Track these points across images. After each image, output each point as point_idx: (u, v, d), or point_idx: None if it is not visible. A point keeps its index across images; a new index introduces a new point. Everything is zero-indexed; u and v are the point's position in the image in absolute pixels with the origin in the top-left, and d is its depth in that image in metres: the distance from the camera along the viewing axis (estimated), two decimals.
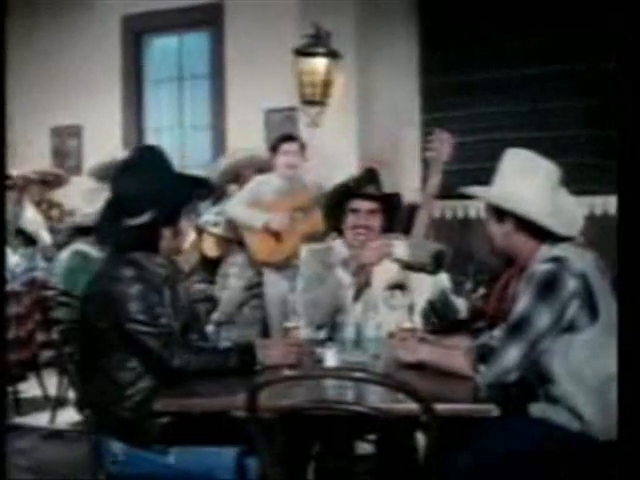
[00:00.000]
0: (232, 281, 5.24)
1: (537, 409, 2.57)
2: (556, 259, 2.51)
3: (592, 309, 2.47)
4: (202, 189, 3.35)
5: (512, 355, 2.45)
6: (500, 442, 2.49)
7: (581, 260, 2.53)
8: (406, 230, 3.92)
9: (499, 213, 2.67)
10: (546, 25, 5.89)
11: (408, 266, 3.56)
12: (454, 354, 2.64)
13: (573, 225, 2.66)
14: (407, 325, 3.03)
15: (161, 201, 2.74)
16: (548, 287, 2.46)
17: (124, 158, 3.06)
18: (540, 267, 2.52)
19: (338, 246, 3.65)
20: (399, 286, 3.52)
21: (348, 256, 3.56)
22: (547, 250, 2.59)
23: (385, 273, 3.54)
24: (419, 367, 2.67)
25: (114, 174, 2.90)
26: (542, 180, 2.64)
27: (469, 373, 2.50)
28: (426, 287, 3.64)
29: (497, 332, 2.52)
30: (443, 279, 4.46)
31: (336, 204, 3.64)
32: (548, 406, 2.53)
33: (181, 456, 2.62)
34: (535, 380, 2.55)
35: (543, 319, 2.44)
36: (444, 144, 3.93)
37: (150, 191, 2.73)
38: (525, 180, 2.63)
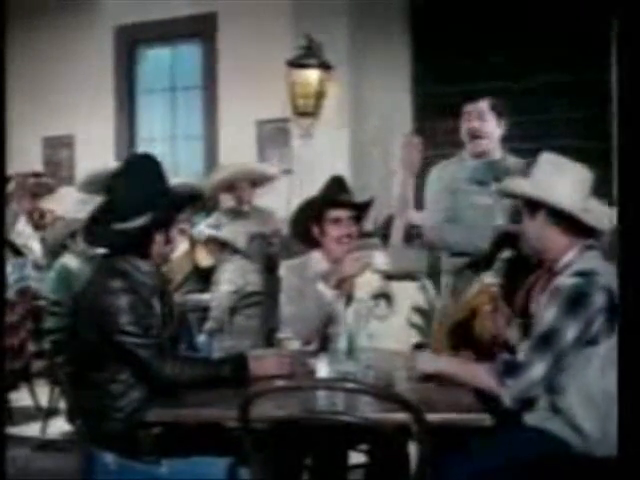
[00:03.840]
0: (222, 286, 5.23)
1: (533, 418, 2.57)
2: (584, 273, 2.51)
3: (612, 323, 2.48)
4: (196, 200, 3.35)
5: (538, 369, 2.46)
6: (496, 451, 2.50)
7: (607, 273, 2.54)
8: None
9: (531, 207, 2.68)
10: (536, 38, 5.95)
11: (389, 275, 3.54)
12: (476, 367, 2.64)
13: (604, 221, 2.64)
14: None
15: (154, 206, 2.75)
16: (576, 302, 2.47)
17: (120, 164, 3.07)
18: (568, 281, 2.52)
19: (316, 259, 3.59)
20: (383, 295, 3.51)
21: (328, 269, 3.52)
22: (576, 254, 2.60)
23: (366, 284, 3.52)
24: (435, 378, 2.67)
25: (110, 179, 2.92)
26: (576, 179, 2.67)
27: (492, 386, 2.50)
28: (410, 294, 3.62)
29: (523, 347, 2.52)
30: (427, 286, 4.45)
31: (313, 217, 3.57)
32: (548, 416, 2.54)
33: (173, 467, 2.61)
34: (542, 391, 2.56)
35: (570, 333, 2.46)
36: (414, 149, 3.84)
37: (143, 196, 2.75)
38: (560, 176, 2.65)
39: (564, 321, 2.46)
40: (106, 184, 2.95)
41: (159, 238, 2.81)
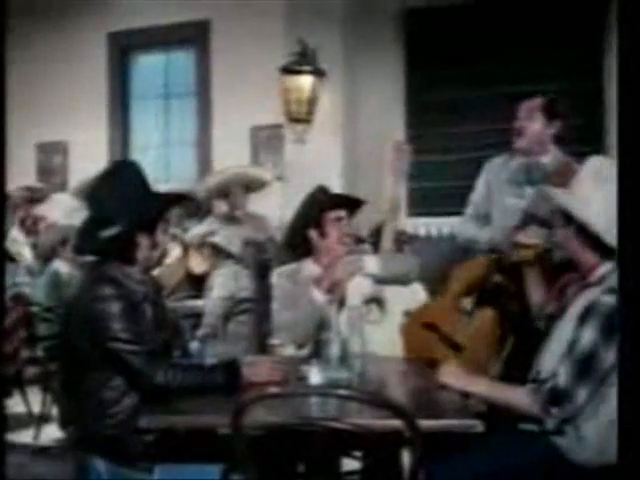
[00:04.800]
0: (215, 292, 5.23)
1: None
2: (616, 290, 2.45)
3: None
4: (180, 201, 3.33)
5: (582, 396, 2.44)
6: (492, 456, 2.49)
7: None
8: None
9: (566, 216, 2.63)
10: (531, 44, 5.98)
11: (381, 280, 3.54)
12: (513, 389, 2.60)
13: None
14: None
15: (130, 212, 2.74)
16: (613, 323, 2.41)
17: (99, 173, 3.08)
18: (604, 300, 2.47)
19: (307, 266, 3.57)
20: (375, 300, 3.51)
21: (320, 274, 3.49)
22: (610, 268, 2.55)
23: (358, 288, 3.53)
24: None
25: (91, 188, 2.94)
26: (615, 192, 2.54)
27: (534, 411, 2.48)
28: (402, 299, 3.62)
29: (562, 370, 2.48)
30: (419, 290, 4.47)
31: (313, 220, 3.53)
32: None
33: (166, 473, 2.60)
34: None
35: (610, 357, 2.42)
36: (403, 156, 3.84)
37: (123, 201, 2.75)
38: (597, 191, 2.57)
39: (604, 345, 2.42)
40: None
41: (144, 242, 2.80)
